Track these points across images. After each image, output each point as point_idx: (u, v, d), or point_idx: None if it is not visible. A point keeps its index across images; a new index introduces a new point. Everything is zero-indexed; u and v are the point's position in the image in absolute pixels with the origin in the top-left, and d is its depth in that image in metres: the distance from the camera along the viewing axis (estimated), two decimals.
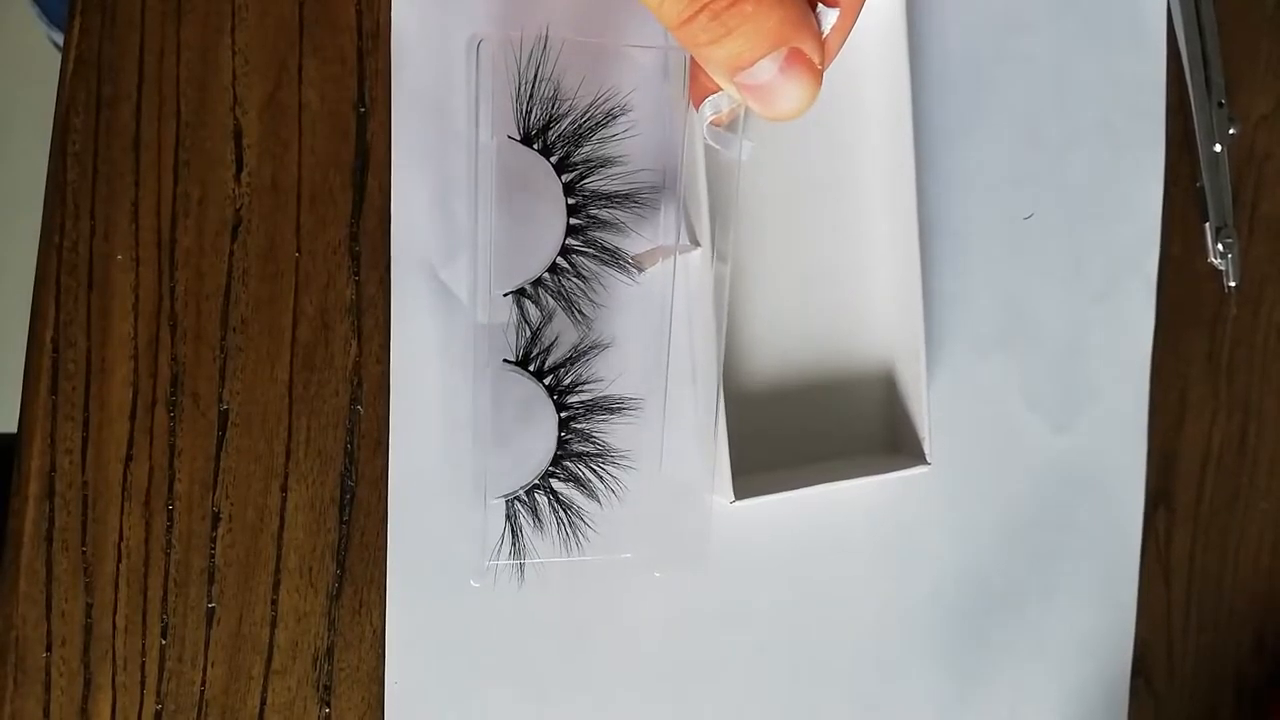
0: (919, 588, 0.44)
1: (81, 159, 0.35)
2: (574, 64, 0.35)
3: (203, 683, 0.37)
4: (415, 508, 0.38)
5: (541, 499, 0.36)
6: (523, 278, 0.35)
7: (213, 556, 0.37)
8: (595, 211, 0.35)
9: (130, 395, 0.36)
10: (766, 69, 0.28)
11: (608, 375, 0.37)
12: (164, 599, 0.36)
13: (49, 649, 0.35)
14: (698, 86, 0.34)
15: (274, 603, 0.37)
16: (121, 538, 0.36)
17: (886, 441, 0.42)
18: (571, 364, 0.36)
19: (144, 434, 0.36)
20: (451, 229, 0.38)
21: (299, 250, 0.37)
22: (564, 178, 0.35)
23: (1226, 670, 0.50)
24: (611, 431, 0.37)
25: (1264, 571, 0.51)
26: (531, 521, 0.36)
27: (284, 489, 0.37)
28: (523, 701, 0.39)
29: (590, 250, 0.36)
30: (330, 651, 0.38)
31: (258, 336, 0.37)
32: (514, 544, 0.36)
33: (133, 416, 0.36)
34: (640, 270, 0.37)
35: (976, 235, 0.45)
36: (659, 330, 0.37)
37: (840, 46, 0.31)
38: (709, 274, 0.37)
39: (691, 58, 0.33)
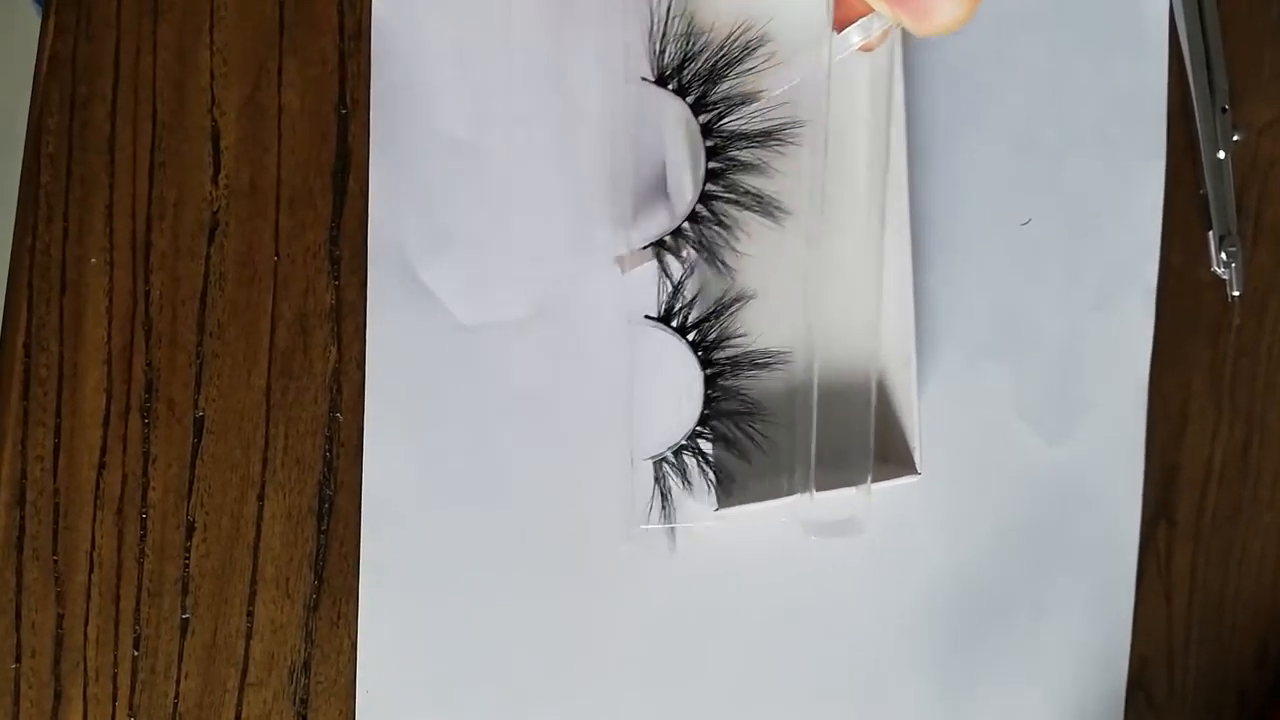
0: (909, 599, 0.43)
1: (55, 160, 0.34)
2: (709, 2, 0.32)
3: (176, 695, 0.36)
4: (390, 515, 0.37)
5: (690, 460, 0.35)
6: (662, 228, 0.33)
7: (187, 566, 0.36)
8: (735, 153, 0.33)
9: (104, 401, 0.35)
10: None
11: (754, 328, 0.35)
12: (137, 609, 0.36)
13: (18, 660, 0.35)
14: (844, 9, 0.32)
15: (250, 614, 0.37)
16: (94, 546, 0.35)
17: (876, 451, 0.42)
18: (715, 318, 0.34)
19: (117, 441, 0.35)
20: (433, 229, 0.37)
21: (277, 254, 0.36)
22: (701, 118, 0.33)
23: (1228, 684, 0.49)
24: (760, 388, 0.35)
25: (1267, 585, 0.50)
26: (680, 483, 0.35)
27: (260, 498, 0.36)
28: (499, 710, 0.39)
29: (731, 195, 0.34)
30: (307, 664, 0.37)
31: (235, 342, 0.36)
32: (664, 507, 0.35)
33: (106, 423, 0.35)
34: (623, 272, 0.36)
35: (972, 241, 0.44)
36: (815, 274, 0.35)
37: None
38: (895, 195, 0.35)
39: None
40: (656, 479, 0.35)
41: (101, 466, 0.35)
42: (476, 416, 0.39)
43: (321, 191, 0.36)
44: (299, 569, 0.37)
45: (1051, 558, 0.46)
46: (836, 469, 0.41)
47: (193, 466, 0.36)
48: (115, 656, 0.36)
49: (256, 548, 0.37)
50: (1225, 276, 0.48)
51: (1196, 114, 0.47)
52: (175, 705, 0.36)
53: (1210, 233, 0.48)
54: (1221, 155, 0.47)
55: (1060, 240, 0.45)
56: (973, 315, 0.44)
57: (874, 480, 0.39)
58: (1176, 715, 0.48)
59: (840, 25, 0.32)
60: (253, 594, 0.37)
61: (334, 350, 0.37)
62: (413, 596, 0.38)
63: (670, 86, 0.33)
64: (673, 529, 0.35)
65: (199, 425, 0.36)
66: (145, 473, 0.35)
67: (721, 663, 0.41)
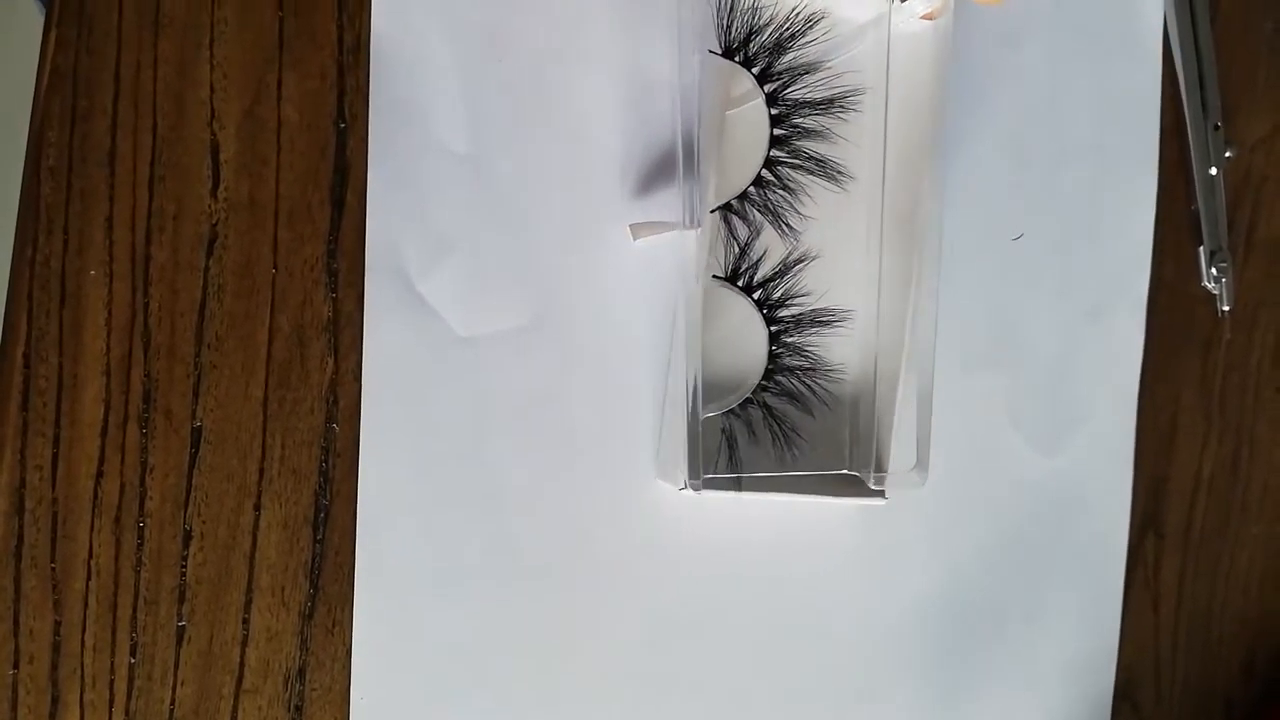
0: (900, 605, 0.44)
1: (56, 173, 0.34)
2: None
3: (172, 701, 0.37)
4: (385, 524, 0.38)
5: (755, 413, 0.36)
6: (729, 193, 0.35)
7: (184, 574, 0.36)
8: (799, 121, 0.35)
9: (102, 411, 0.35)
10: None
11: (817, 288, 0.37)
12: (134, 617, 0.36)
13: (16, 666, 0.35)
14: None
15: (245, 621, 0.37)
16: (91, 555, 0.35)
17: (848, 437, 0.42)
18: (780, 278, 0.36)
19: (115, 451, 0.35)
20: (429, 241, 0.37)
21: (275, 267, 0.36)
22: (766, 88, 0.35)
23: (1215, 694, 0.50)
24: (824, 345, 0.36)
25: (1254, 597, 0.50)
26: (746, 435, 0.36)
27: (257, 507, 0.37)
28: (493, 716, 0.39)
29: (795, 160, 0.36)
30: (302, 671, 0.38)
31: (232, 353, 0.36)
32: (730, 458, 0.36)
33: (104, 433, 0.35)
34: (633, 240, 0.37)
35: (964, 252, 0.44)
36: (870, 241, 0.37)
37: None
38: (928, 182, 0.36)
39: None
40: (723, 430, 0.36)
41: (100, 476, 0.35)
42: (472, 426, 0.39)
43: (319, 205, 0.37)
44: (295, 577, 0.37)
45: (1042, 566, 0.46)
46: (821, 478, 0.41)
47: (190, 476, 0.36)
48: (112, 663, 0.36)
49: (253, 556, 0.37)
50: (1216, 291, 0.48)
51: (1189, 130, 0.48)
52: (171, 711, 0.36)
53: (1201, 248, 0.48)
54: (1213, 171, 0.48)
55: (1053, 253, 0.46)
56: (967, 325, 0.44)
57: (844, 496, 0.39)
58: None
59: None
60: (249, 602, 0.37)
61: (331, 362, 0.37)
62: (407, 604, 0.38)
63: (737, 59, 0.34)
64: (739, 478, 0.36)
65: (196, 435, 0.36)
66: (143, 482, 0.36)
67: (716, 669, 0.42)
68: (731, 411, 0.36)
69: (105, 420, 0.35)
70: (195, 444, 0.36)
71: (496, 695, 0.39)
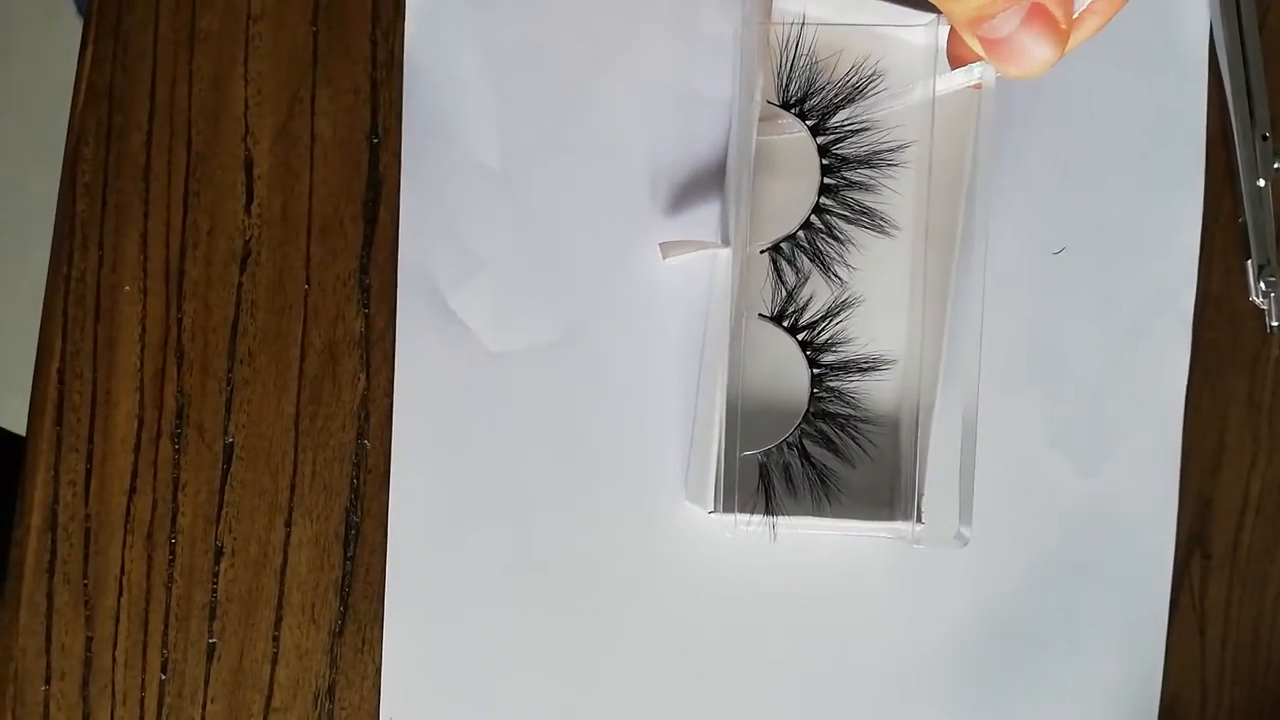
0: (937, 631, 0.43)
1: (91, 189, 0.34)
2: (829, 41, 0.36)
3: (202, 719, 0.36)
4: (416, 542, 0.37)
5: (793, 458, 0.36)
6: (778, 233, 0.36)
7: (214, 591, 0.36)
8: (848, 174, 0.36)
9: (135, 427, 0.35)
10: (1008, 22, 0.28)
11: (860, 336, 0.37)
12: (164, 633, 0.36)
13: (48, 682, 0.35)
14: (955, 47, 0.34)
15: (275, 639, 0.37)
16: (123, 571, 0.35)
17: (889, 489, 0.41)
18: (825, 322, 0.37)
19: (148, 466, 0.35)
20: (462, 257, 0.37)
21: (308, 282, 0.36)
22: (819, 140, 0.36)
23: None
24: (864, 392, 0.37)
25: None
26: (784, 481, 0.36)
27: (288, 524, 0.37)
28: None
29: (844, 210, 0.37)
30: (332, 690, 0.37)
31: (265, 369, 0.36)
32: (767, 502, 0.36)
33: (137, 449, 0.35)
34: (664, 258, 0.37)
35: (1004, 268, 0.43)
36: (914, 293, 0.37)
37: (1098, 27, 0.31)
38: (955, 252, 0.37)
39: (950, 27, 0.34)
40: (760, 475, 0.36)
41: (132, 492, 0.35)
42: (504, 443, 0.38)
43: (352, 220, 0.36)
44: (325, 595, 0.37)
45: (1083, 590, 0.45)
46: (852, 503, 0.40)
47: (222, 492, 0.36)
48: (143, 680, 0.36)
49: (283, 574, 0.37)
50: (1264, 306, 0.47)
51: (1236, 141, 0.46)
52: None
53: (1249, 261, 0.47)
54: (1261, 183, 0.47)
55: (1095, 268, 0.45)
56: (1005, 343, 0.44)
57: (875, 519, 0.39)
58: None
59: (954, 63, 0.35)
60: (279, 619, 0.37)
61: (363, 378, 0.37)
62: (438, 623, 0.38)
63: (794, 112, 0.36)
64: (774, 524, 0.36)
65: (228, 451, 0.36)
66: (175, 498, 0.36)
67: (745, 693, 0.41)
68: (768, 453, 0.36)
69: (138, 436, 0.35)
70: (227, 460, 0.36)
71: (528, 715, 0.39)
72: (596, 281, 0.39)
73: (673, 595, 0.40)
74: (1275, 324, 0.47)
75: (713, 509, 0.35)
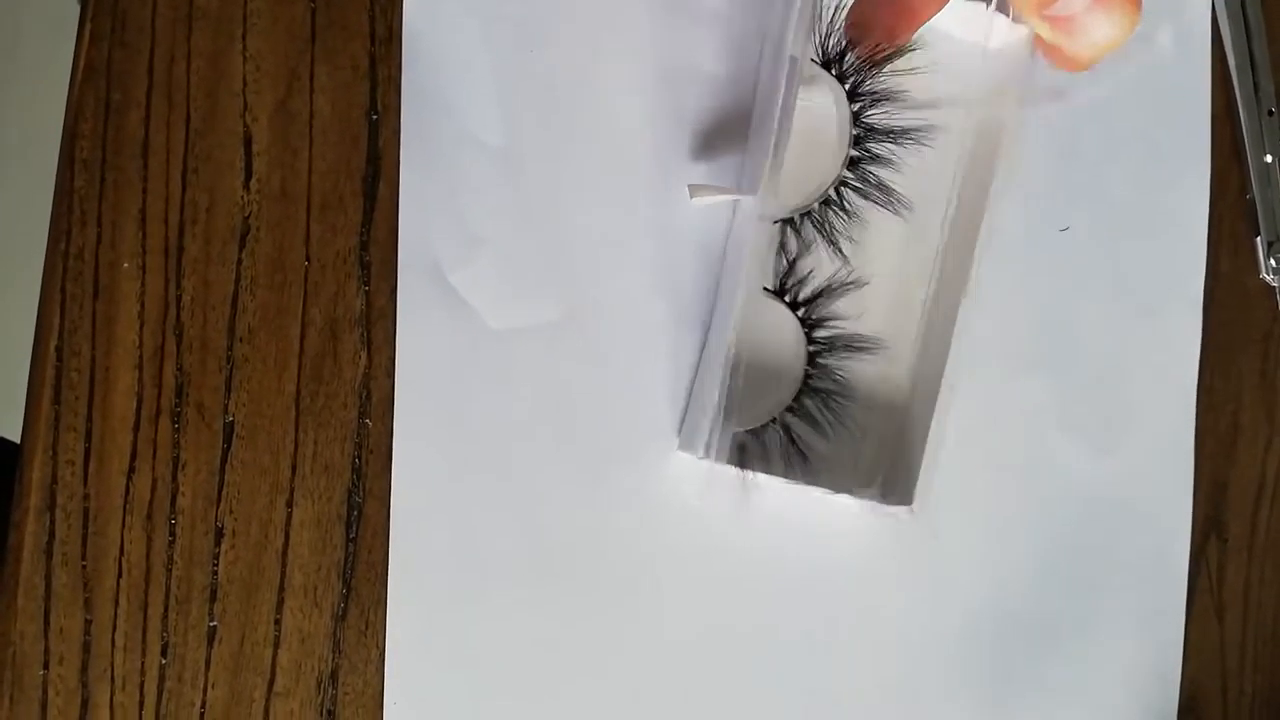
0: (950, 618, 0.42)
1: (89, 166, 0.34)
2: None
3: (203, 704, 0.36)
4: (419, 523, 0.37)
5: (774, 434, 0.36)
6: (796, 205, 0.36)
7: (215, 573, 0.36)
8: (873, 146, 0.36)
9: (134, 406, 0.35)
10: (1078, 1, 0.27)
11: (854, 313, 0.37)
12: (164, 616, 0.35)
13: (46, 666, 0.35)
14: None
15: (277, 622, 0.36)
16: (122, 552, 0.35)
17: (888, 470, 0.41)
18: (824, 298, 0.36)
19: (147, 445, 0.35)
20: (463, 234, 0.37)
21: (308, 259, 0.36)
22: (852, 106, 0.35)
23: None
24: (853, 370, 0.37)
25: None
26: (761, 453, 0.36)
27: (289, 504, 0.36)
28: (527, 718, 0.38)
29: (863, 185, 0.36)
30: (335, 674, 0.37)
31: (265, 347, 0.36)
32: (742, 469, 0.36)
33: (136, 428, 0.35)
34: (691, 198, 0.37)
35: (1010, 249, 0.43)
36: (919, 272, 0.37)
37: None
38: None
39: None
40: (742, 446, 0.36)
41: (131, 471, 0.35)
42: (507, 422, 0.38)
43: (352, 196, 0.36)
44: (327, 577, 0.37)
45: (1098, 574, 0.44)
46: (854, 479, 0.40)
47: (222, 472, 0.36)
48: (143, 664, 0.35)
49: (285, 555, 0.36)
50: (1275, 284, 0.47)
51: (1242, 117, 0.46)
52: (202, 714, 0.36)
53: (1258, 238, 0.47)
54: (1269, 159, 0.46)
55: (1102, 248, 0.44)
56: (1014, 325, 0.43)
57: (868, 497, 0.39)
58: None
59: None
60: (280, 602, 0.36)
61: (364, 356, 0.37)
62: (442, 604, 0.37)
63: (833, 72, 0.35)
64: (744, 481, 0.36)
65: (229, 430, 0.36)
66: (174, 478, 0.35)
67: (756, 679, 0.40)
68: (750, 431, 0.35)
69: (137, 415, 0.35)
70: (227, 439, 0.36)
71: (534, 700, 0.38)
72: (599, 257, 0.39)
73: (679, 576, 0.39)
74: None
75: (702, 454, 0.35)
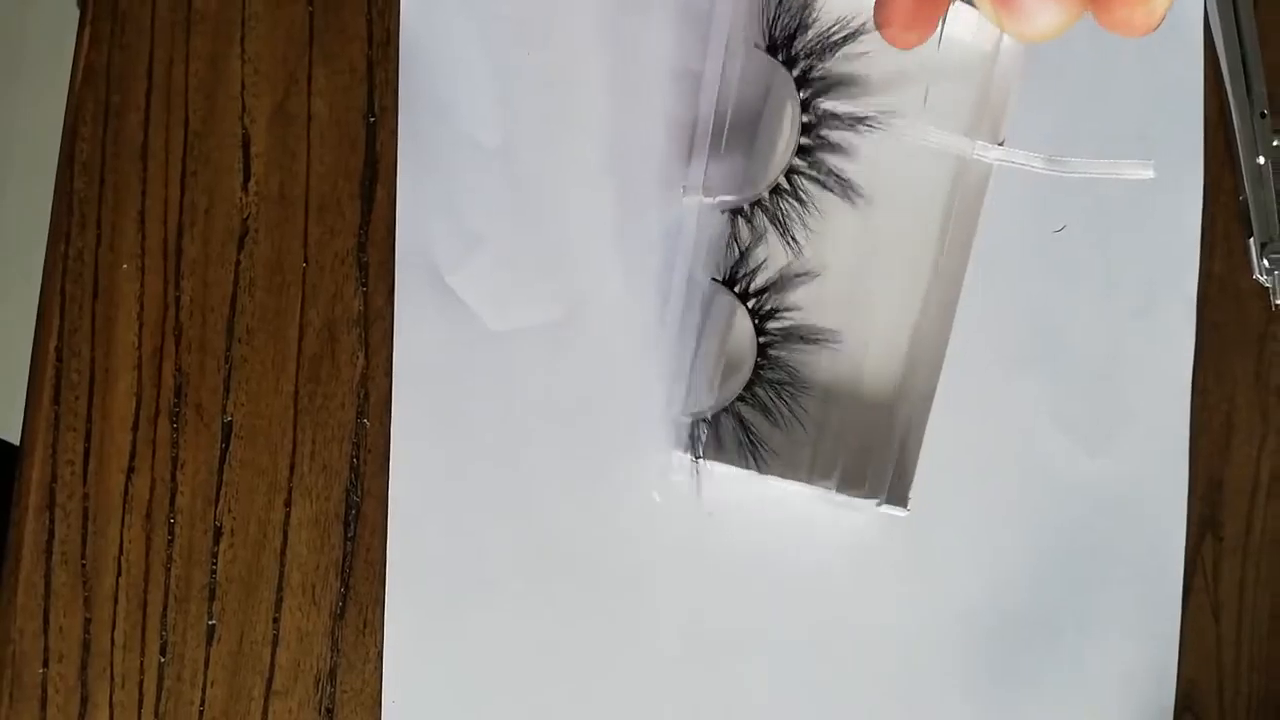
0: (944, 615, 0.42)
1: (89, 168, 0.35)
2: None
3: (202, 703, 0.36)
4: (417, 523, 0.37)
5: (728, 421, 0.36)
6: (745, 194, 0.35)
7: (214, 572, 0.36)
8: (826, 133, 0.35)
9: (133, 406, 0.35)
10: None
11: (808, 305, 0.37)
12: (164, 615, 0.36)
13: (46, 664, 0.35)
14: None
15: (276, 621, 0.37)
16: (121, 551, 0.35)
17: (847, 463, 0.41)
18: (776, 290, 0.36)
19: (146, 445, 0.35)
20: (461, 235, 0.37)
21: (306, 261, 0.36)
22: (802, 93, 0.34)
23: None
24: (805, 363, 0.37)
25: None
26: (715, 442, 0.36)
27: (288, 504, 0.36)
28: (526, 718, 0.38)
29: (814, 173, 0.35)
30: (333, 673, 0.37)
31: (263, 348, 0.36)
32: (695, 462, 0.36)
33: (135, 427, 0.35)
34: (684, 197, 0.37)
35: (1004, 249, 0.43)
36: (878, 265, 0.37)
37: None
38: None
39: None
40: (692, 435, 0.36)
41: (130, 471, 0.35)
42: (505, 423, 0.38)
43: (350, 198, 0.37)
44: (325, 576, 0.37)
45: (1093, 574, 0.44)
46: (844, 476, 0.40)
47: (220, 472, 0.36)
48: (142, 663, 0.35)
49: (283, 554, 0.36)
50: (1268, 284, 0.47)
51: (1234, 119, 0.46)
52: (201, 712, 0.36)
53: (1251, 240, 0.47)
54: (1261, 160, 0.46)
55: (1097, 248, 0.45)
56: (1008, 324, 0.43)
57: (848, 494, 0.39)
58: None
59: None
60: (279, 601, 0.36)
61: (362, 356, 0.37)
62: (439, 605, 0.38)
63: (779, 57, 0.34)
64: (698, 473, 0.36)
65: (227, 430, 0.36)
66: (173, 478, 0.36)
67: (751, 678, 0.40)
68: (704, 418, 0.36)
69: (136, 415, 0.35)
70: (226, 439, 0.36)
71: (531, 699, 0.38)
72: (597, 258, 0.39)
73: (675, 575, 0.40)
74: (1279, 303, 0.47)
75: (685, 452, 0.36)
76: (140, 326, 0.35)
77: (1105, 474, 0.44)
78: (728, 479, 0.37)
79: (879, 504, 0.38)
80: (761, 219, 0.36)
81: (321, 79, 0.36)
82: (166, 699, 0.36)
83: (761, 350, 0.36)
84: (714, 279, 0.36)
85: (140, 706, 0.35)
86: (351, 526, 0.37)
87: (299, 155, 0.36)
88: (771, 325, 0.36)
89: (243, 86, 0.36)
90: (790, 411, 0.36)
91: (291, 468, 0.36)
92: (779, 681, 0.41)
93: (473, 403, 0.38)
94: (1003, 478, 0.43)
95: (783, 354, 0.36)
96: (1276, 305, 0.47)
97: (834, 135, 0.35)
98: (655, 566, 0.39)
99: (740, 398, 0.36)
